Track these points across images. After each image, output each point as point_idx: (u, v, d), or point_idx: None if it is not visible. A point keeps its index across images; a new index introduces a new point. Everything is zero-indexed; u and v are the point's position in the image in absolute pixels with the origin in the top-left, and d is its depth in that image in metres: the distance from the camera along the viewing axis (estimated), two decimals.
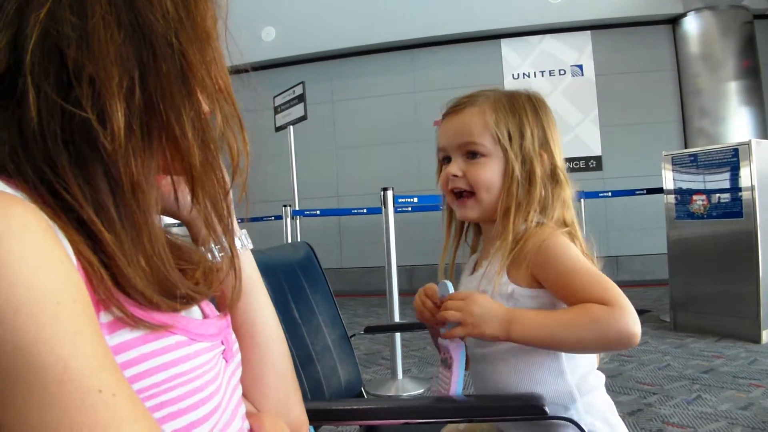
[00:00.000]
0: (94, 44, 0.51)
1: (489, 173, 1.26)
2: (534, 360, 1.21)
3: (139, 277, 0.53)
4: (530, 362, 1.21)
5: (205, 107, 0.60)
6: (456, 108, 1.33)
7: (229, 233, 0.69)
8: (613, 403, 1.28)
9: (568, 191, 1.30)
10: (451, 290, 1.22)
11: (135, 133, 0.54)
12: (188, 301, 0.60)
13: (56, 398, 0.41)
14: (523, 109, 1.29)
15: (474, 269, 1.37)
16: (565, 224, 1.27)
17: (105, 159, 0.52)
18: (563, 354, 1.21)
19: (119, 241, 0.52)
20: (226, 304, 0.74)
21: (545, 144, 1.29)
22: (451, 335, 1.18)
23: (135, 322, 0.52)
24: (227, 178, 0.65)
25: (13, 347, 0.40)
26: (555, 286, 1.19)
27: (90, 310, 0.46)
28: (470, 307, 1.15)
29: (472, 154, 1.28)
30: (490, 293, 1.22)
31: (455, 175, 1.29)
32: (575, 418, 1.19)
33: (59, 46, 0.50)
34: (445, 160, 1.33)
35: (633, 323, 1.08)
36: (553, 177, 1.29)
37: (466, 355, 1.26)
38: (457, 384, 1.21)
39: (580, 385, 1.21)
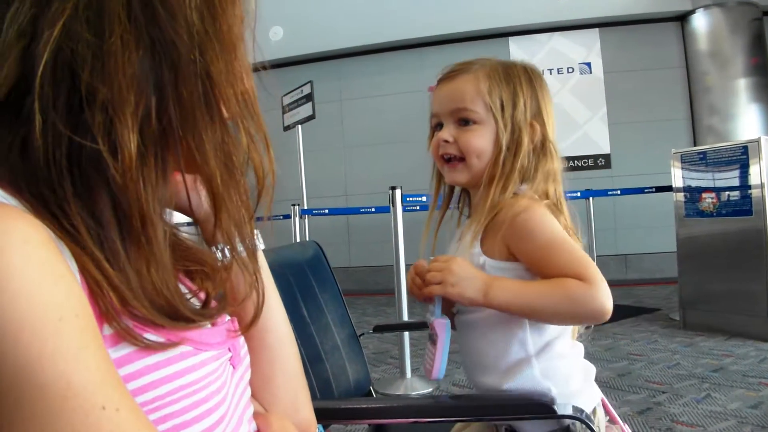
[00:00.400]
0: (110, 66, 0.48)
1: (480, 140, 1.27)
2: (502, 329, 1.23)
3: (146, 308, 0.52)
4: (499, 331, 1.24)
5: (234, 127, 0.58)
6: (450, 74, 1.34)
7: (254, 258, 0.67)
8: (589, 372, 1.30)
9: (557, 164, 1.30)
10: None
11: (148, 163, 0.52)
12: (197, 322, 0.59)
13: (60, 415, 0.40)
14: (518, 78, 1.29)
15: (460, 238, 1.37)
16: (546, 197, 1.27)
17: (113, 189, 0.50)
18: (528, 327, 1.22)
19: (125, 276, 0.51)
20: (243, 326, 0.72)
21: (538, 115, 1.29)
22: (430, 292, 1.19)
23: (138, 341, 0.51)
24: (252, 199, 0.63)
25: (16, 363, 0.39)
26: (531, 260, 1.20)
27: (93, 324, 0.45)
28: (451, 267, 1.17)
29: (464, 121, 1.28)
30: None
31: (446, 141, 1.29)
32: (532, 383, 1.21)
33: (72, 67, 0.48)
34: (438, 126, 1.34)
35: (607, 300, 1.11)
36: (543, 148, 1.29)
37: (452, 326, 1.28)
38: (441, 361, 1.22)
39: (539, 353, 1.23)
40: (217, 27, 0.55)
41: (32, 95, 0.47)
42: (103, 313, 0.49)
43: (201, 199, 0.61)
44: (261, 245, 0.83)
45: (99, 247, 0.50)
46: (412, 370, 3.91)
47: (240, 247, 0.64)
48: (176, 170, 0.57)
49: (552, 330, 1.25)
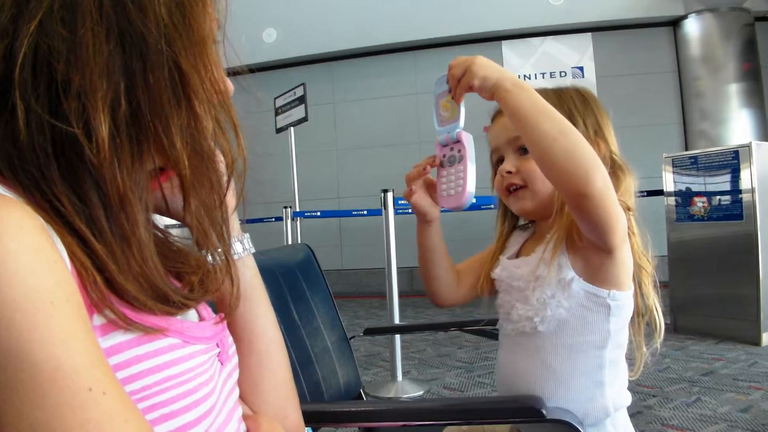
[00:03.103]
0: (82, 57, 0.51)
1: None
2: (578, 367, 1.18)
3: (131, 284, 0.54)
4: (573, 368, 1.18)
5: (203, 114, 0.60)
6: None
7: (223, 240, 0.69)
8: (630, 422, 1.26)
9: (630, 177, 1.25)
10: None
11: (122, 145, 0.54)
12: (182, 306, 0.61)
13: (48, 396, 0.42)
14: (571, 100, 1.26)
15: (517, 254, 1.33)
16: (628, 209, 1.21)
17: (92, 172, 0.53)
18: (606, 362, 1.18)
19: (111, 250, 0.53)
20: (225, 309, 0.74)
21: (599, 131, 1.26)
22: (464, 82, 1.13)
23: (128, 325, 0.53)
24: (224, 184, 0.66)
25: (8, 344, 0.41)
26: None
27: (82, 310, 0.47)
28: (472, 58, 1.13)
29: (524, 149, 1.25)
30: (547, 280, 1.17)
31: (509, 172, 1.26)
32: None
33: (49, 60, 0.51)
34: (499, 162, 1.31)
35: (601, 180, 1.02)
36: (614, 165, 1.24)
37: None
38: (473, 178, 1.15)
39: (615, 399, 1.20)
40: (186, 22, 0.58)
41: (13, 88, 0.50)
42: (94, 303, 0.51)
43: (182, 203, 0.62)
44: (251, 249, 0.84)
45: (85, 225, 0.52)
46: (403, 373, 3.91)
47: (211, 231, 0.67)
48: (151, 158, 0.59)
49: (623, 370, 1.23)
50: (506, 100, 1.09)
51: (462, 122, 1.19)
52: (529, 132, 1.07)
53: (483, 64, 1.12)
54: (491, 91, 1.11)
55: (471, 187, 1.16)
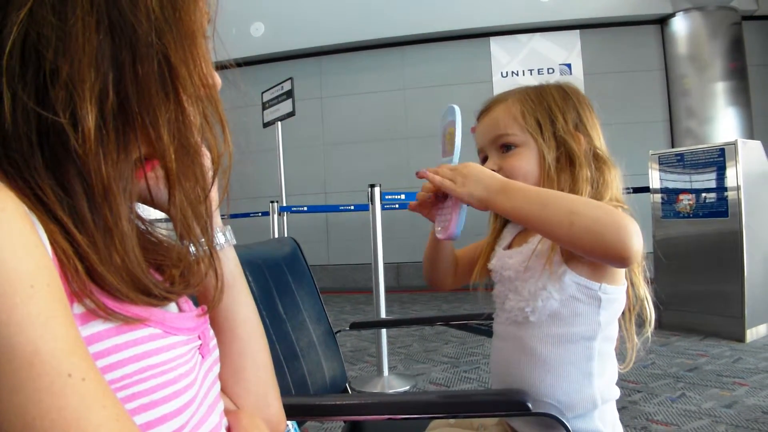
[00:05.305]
0: (71, 47, 0.51)
1: (523, 162, 1.26)
2: (567, 357, 1.19)
3: (113, 275, 0.54)
4: (562, 358, 1.19)
5: (190, 108, 0.60)
6: (486, 108, 1.35)
7: (207, 234, 0.68)
8: (618, 418, 1.27)
9: (615, 171, 1.26)
10: (458, 113, 1.21)
11: (108, 136, 0.54)
12: (163, 299, 0.61)
13: (26, 381, 0.41)
14: (550, 96, 1.29)
15: (510, 245, 1.34)
16: (617, 201, 1.23)
17: (77, 162, 0.52)
18: (595, 354, 1.19)
19: (92, 241, 0.53)
20: (208, 304, 0.74)
21: (580, 125, 1.28)
22: (442, 184, 1.16)
23: (108, 315, 0.52)
24: (209, 179, 0.65)
25: None
26: None
27: (62, 295, 0.46)
28: (461, 168, 1.15)
29: (506, 147, 1.28)
30: (539, 272, 1.19)
31: (492, 170, 1.26)
32: (592, 426, 1.19)
33: (38, 48, 0.50)
34: (485, 161, 1.33)
35: (636, 235, 1.00)
36: (596, 158, 1.26)
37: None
38: (463, 210, 1.18)
39: (603, 391, 1.21)
40: (177, 16, 0.57)
41: (0, 74, 0.49)
42: (74, 293, 0.50)
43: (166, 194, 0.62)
44: (232, 240, 0.84)
45: (68, 215, 0.52)
46: (390, 368, 3.91)
47: (195, 226, 0.66)
48: (137, 150, 0.58)
49: (613, 361, 1.23)
50: (500, 208, 1.12)
51: (456, 158, 1.22)
52: (541, 228, 1.10)
53: (464, 180, 1.14)
54: (482, 207, 1.14)
55: (458, 220, 1.19)
